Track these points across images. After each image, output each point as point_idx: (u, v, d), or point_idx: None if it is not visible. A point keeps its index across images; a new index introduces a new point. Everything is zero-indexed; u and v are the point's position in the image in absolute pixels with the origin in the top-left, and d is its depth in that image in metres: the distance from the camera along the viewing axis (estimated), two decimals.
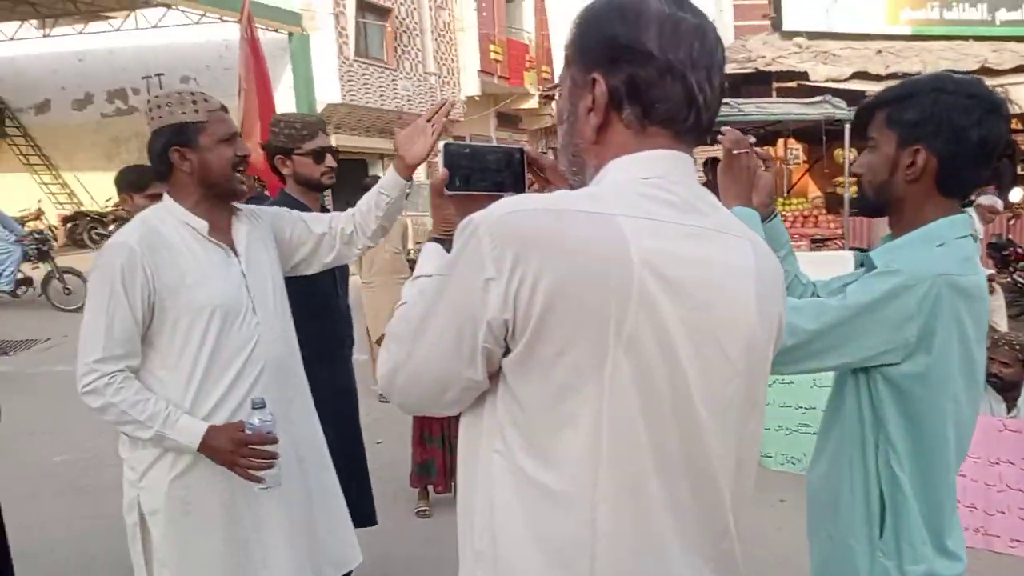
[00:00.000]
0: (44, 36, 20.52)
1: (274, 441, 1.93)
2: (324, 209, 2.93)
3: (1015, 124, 10.90)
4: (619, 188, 1.05)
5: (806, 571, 1.71)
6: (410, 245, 10.27)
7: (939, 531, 1.53)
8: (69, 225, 18.92)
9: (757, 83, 12.53)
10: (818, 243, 9.27)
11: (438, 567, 3.62)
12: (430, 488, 4.24)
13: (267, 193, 5.59)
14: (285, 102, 16.15)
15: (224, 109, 2.07)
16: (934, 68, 11.12)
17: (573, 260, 0.97)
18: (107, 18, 19.47)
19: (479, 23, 22.02)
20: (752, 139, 1.63)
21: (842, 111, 9.00)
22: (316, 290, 2.41)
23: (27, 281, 10.85)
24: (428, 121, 2.16)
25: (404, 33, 20.51)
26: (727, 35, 15.45)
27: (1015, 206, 10.19)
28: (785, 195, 11.79)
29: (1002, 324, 6.74)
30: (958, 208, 1.58)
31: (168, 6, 16.94)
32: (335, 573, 2.32)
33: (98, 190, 20.72)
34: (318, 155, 2.76)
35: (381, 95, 19.69)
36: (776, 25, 14.28)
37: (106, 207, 19.87)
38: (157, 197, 3.24)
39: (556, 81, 22.57)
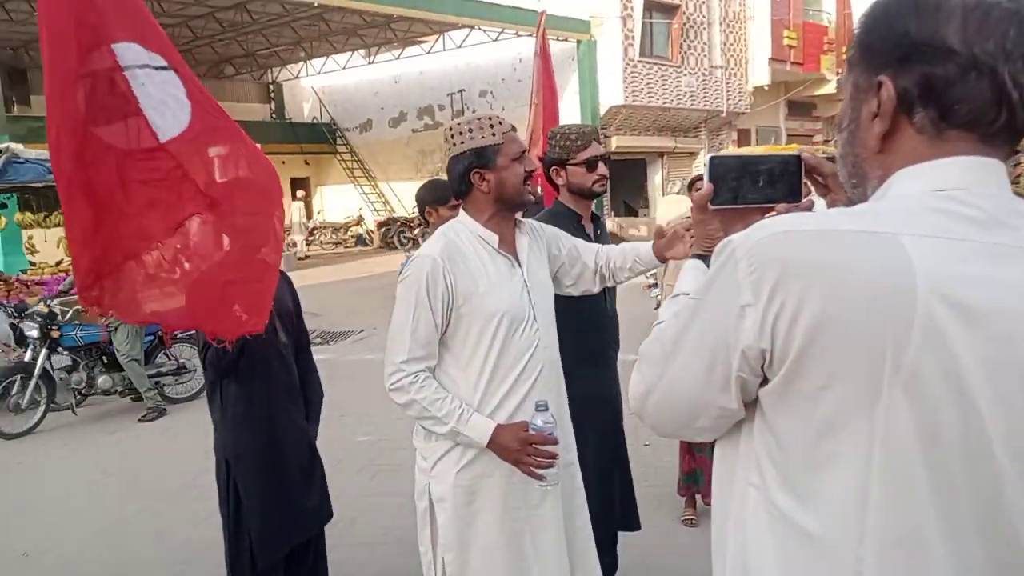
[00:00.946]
0: (369, 63, 23.37)
1: (555, 442, 2.04)
2: (595, 216, 2.95)
3: None
4: (906, 202, 0.93)
5: None
6: None
7: None
8: (383, 229, 21.35)
9: None
10: None
11: None
12: (698, 497, 4.08)
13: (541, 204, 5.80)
14: (570, 107, 16.68)
15: (513, 128, 2.21)
16: None
17: (841, 286, 0.86)
18: (420, 42, 21.62)
19: (772, 9, 20.92)
20: (811, 200, 1.29)
21: None
22: (585, 295, 2.49)
23: None
24: (688, 230, 2.30)
25: (691, 28, 20.14)
26: None
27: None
28: None
29: None
30: None
31: (472, 26, 18.34)
32: None
33: (407, 198, 23.16)
34: (591, 164, 2.80)
35: (664, 93, 19.52)
36: None
37: (412, 213, 22.13)
38: (458, 207, 3.50)
39: None
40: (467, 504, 2.14)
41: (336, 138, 25.09)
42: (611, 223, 14.49)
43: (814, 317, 0.87)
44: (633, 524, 3.10)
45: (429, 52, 21.72)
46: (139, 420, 6.57)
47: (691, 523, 4.03)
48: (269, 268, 2.50)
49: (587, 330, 2.81)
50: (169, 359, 7.13)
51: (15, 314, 6.58)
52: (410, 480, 4.70)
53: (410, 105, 23.23)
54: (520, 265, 2.21)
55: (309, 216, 23.79)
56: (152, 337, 6.88)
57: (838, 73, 22.91)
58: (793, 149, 1.47)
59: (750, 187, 1.21)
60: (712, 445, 3.55)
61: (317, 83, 25.42)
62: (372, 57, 23.17)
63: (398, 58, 22.65)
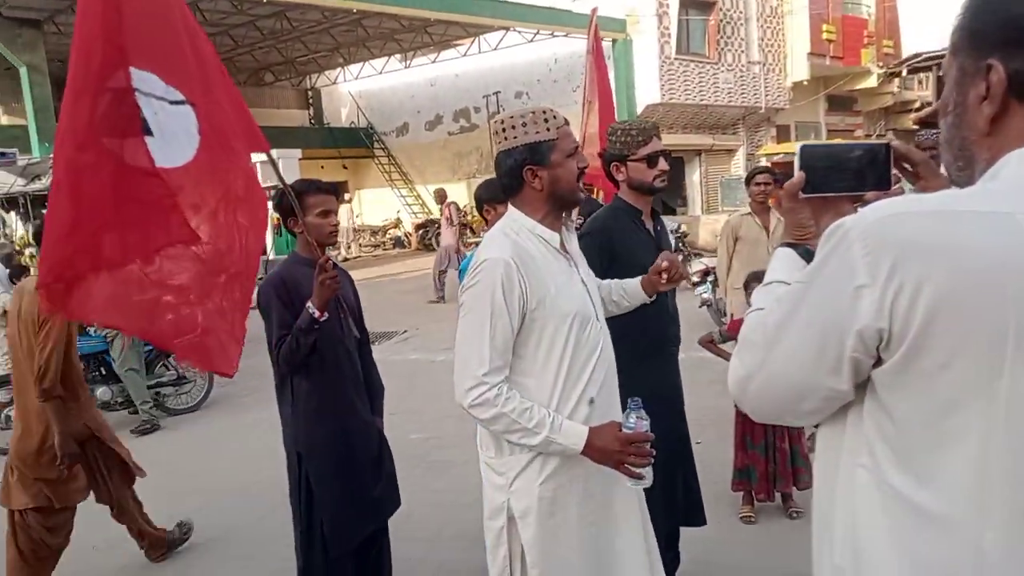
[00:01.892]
0: (405, 67, 23.56)
1: (652, 439, 1.97)
2: (655, 213, 2.95)
3: None
4: (1020, 182, 0.94)
5: None
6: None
7: None
8: (420, 231, 21.50)
9: None
10: None
11: None
12: (753, 493, 4.06)
13: (596, 199, 5.79)
14: None
15: (567, 122, 2.12)
16: None
17: (961, 266, 0.88)
18: (456, 45, 21.74)
19: (810, 3, 20.64)
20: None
21: None
22: None
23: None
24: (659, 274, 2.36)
25: (728, 24, 19.95)
26: None
27: None
28: None
29: None
30: None
31: (508, 28, 18.40)
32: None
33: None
34: (651, 160, 2.80)
35: (701, 90, 19.37)
36: None
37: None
38: None
39: (902, 56, 20.34)
40: (550, 516, 2.04)
41: (373, 142, 25.34)
42: None
43: (935, 297, 0.88)
44: (698, 520, 3.09)
45: (464, 55, 21.83)
46: (131, 432, 6.33)
47: (750, 520, 4.01)
48: (237, 321, 2.60)
49: (650, 325, 2.81)
50: (169, 369, 6.94)
51: None
52: (463, 477, 4.75)
53: (446, 108, 23.37)
54: (576, 265, 2.15)
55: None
56: (151, 348, 6.70)
57: (879, 66, 22.54)
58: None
59: (840, 176, 1.22)
60: (764, 442, 3.55)
61: (354, 88, 25.70)
62: (408, 61, 23.35)
63: (434, 62, 22.80)
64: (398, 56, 23.21)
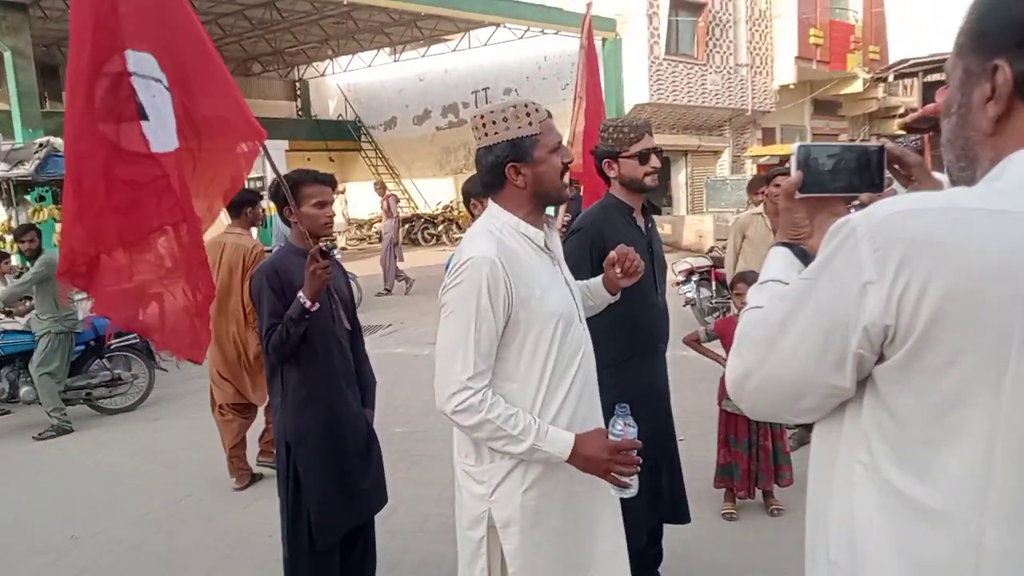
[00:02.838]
0: (394, 61, 23.48)
1: (639, 446, 1.90)
2: (645, 210, 2.97)
3: None
4: None
5: None
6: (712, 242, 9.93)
7: None
8: (407, 226, 21.43)
9: None
10: None
11: (745, 575, 3.49)
12: (734, 490, 4.10)
13: (579, 194, 5.81)
14: None
15: (550, 115, 2.03)
16: None
17: (969, 263, 0.89)
18: (445, 40, 21.68)
19: (798, 7, 20.76)
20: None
21: None
22: (637, 288, 2.44)
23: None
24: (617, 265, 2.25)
25: (716, 26, 20.04)
26: None
27: None
28: None
29: None
30: None
31: (498, 24, 18.38)
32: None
33: (430, 195, 23.26)
34: (643, 157, 2.80)
35: (689, 91, 19.44)
36: None
37: (436, 210, 22.19)
38: None
39: (888, 62, 20.50)
40: (534, 525, 1.97)
41: (361, 135, 25.23)
42: None
43: (941, 294, 0.89)
44: (683, 517, 3.11)
45: (454, 50, 21.78)
46: (33, 437, 6.06)
47: (731, 517, 4.04)
48: (202, 306, 2.60)
49: (638, 323, 2.83)
50: (104, 370, 6.62)
51: None
52: (447, 470, 4.74)
53: (435, 103, 23.31)
54: (559, 264, 2.09)
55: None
56: (83, 347, 6.47)
57: (865, 71, 22.71)
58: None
59: (835, 177, 1.24)
60: (747, 440, 3.57)
61: (343, 81, 25.57)
62: (398, 55, 23.26)
63: (423, 56, 22.73)
64: (387, 50, 23.11)
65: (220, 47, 20.37)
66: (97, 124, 2.35)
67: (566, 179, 2.06)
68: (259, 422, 5.04)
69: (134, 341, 6.70)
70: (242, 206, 4.91)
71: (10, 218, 9.21)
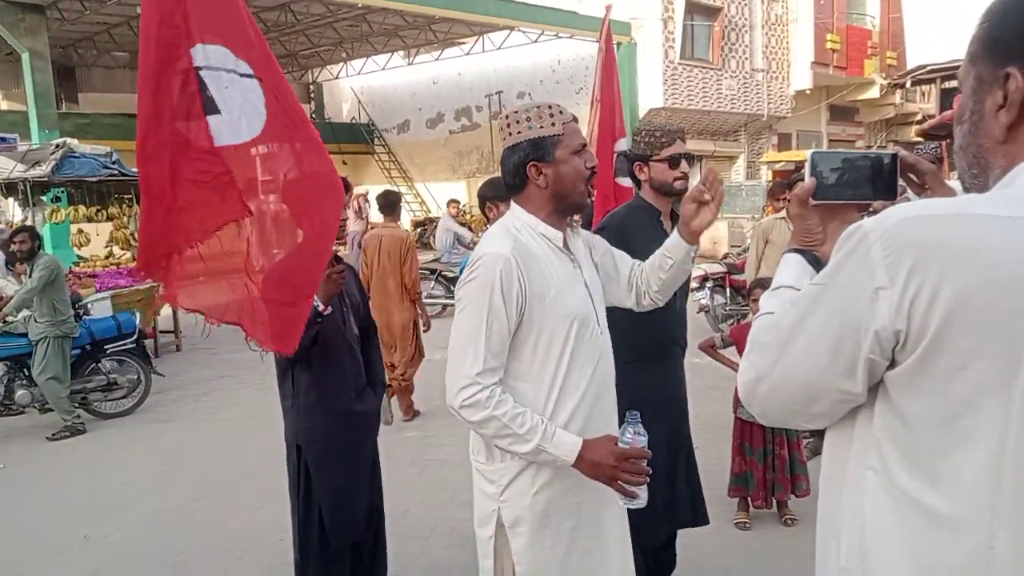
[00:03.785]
0: (408, 64, 23.54)
1: (649, 456, 1.86)
2: (674, 215, 2.95)
3: None
4: None
5: None
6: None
7: None
8: (419, 229, 21.46)
9: None
10: None
11: None
12: (749, 500, 4.06)
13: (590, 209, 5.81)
14: None
15: (575, 119, 2.04)
16: None
17: (980, 269, 0.89)
18: (459, 44, 21.72)
19: (815, 12, 20.69)
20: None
21: None
22: None
23: None
24: (705, 191, 2.11)
25: (732, 31, 19.99)
26: None
27: None
28: None
29: None
30: None
31: (512, 28, 18.40)
32: None
33: (443, 198, 23.27)
34: (674, 161, 2.82)
35: (704, 96, 19.39)
36: None
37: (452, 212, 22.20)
38: None
39: (906, 68, 20.39)
40: (543, 528, 1.96)
41: (374, 138, 25.32)
42: None
43: (953, 299, 0.89)
44: (701, 518, 3.09)
45: (468, 53, 21.81)
46: (47, 438, 6.08)
47: (744, 526, 4.00)
48: (304, 295, 2.50)
49: (657, 327, 2.81)
50: (99, 374, 6.57)
51: None
52: (457, 475, 4.74)
53: (448, 106, 23.35)
54: (580, 266, 2.06)
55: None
56: (79, 351, 6.45)
57: (882, 77, 22.59)
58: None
59: (849, 184, 1.24)
60: (763, 449, 3.54)
61: (356, 84, 25.67)
62: (411, 58, 23.33)
63: (437, 59, 22.79)
64: (401, 53, 23.18)
65: None
66: (164, 123, 2.37)
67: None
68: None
69: (130, 345, 6.71)
70: (395, 204, 6.45)
71: (26, 218, 9.28)
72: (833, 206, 1.26)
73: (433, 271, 10.58)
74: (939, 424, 0.94)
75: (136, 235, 9.99)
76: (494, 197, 3.69)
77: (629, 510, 2.03)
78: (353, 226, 12.73)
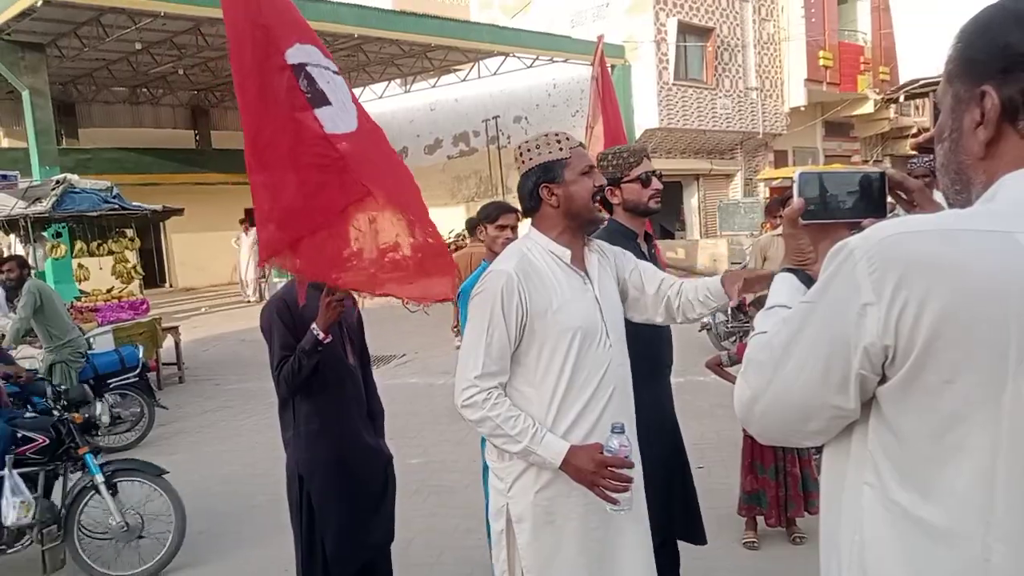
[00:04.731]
0: (405, 92, 23.72)
1: (631, 465, 1.98)
2: (647, 236, 2.97)
3: None
4: (1017, 203, 0.98)
5: None
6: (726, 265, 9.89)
7: None
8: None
9: None
10: None
11: None
12: (760, 519, 4.02)
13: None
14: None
15: (581, 145, 2.21)
16: None
17: (964, 283, 0.90)
18: (456, 70, 21.90)
19: (807, 30, 20.87)
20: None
21: None
22: None
23: None
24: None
25: (725, 51, 20.16)
26: None
27: None
28: None
29: None
30: None
31: (507, 54, 18.57)
32: None
33: (442, 223, 23.31)
34: (645, 180, 2.83)
35: (699, 115, 19.51)
36: None
37: (449, 238, 22.26)
38: (505, 227, 3.66)
39: (899, 83, 20.52)
40: (547, 524, 2.08)
41: None
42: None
43: (938, 313, 0.91)
44: (698, 536, 3.06)
45: (464, 80, 21.98)
46: None
47: (752, 546, 3.97)
48: (438, 245, 2.71)
49: (644, 348, 2.80)
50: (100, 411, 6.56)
51: None
52: (463, 502, 4.71)
53: (445, 132, 23.49)
54: (591, 281, 2.18)
55: None
56: (86, 382, 6.27)
57: (877, 92, 22.73)
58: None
59: (837, 203, 1.26)
60: (775, 466, 3.52)
61: None
62: (408, 86, 23.51)
63: (434, 86, 22.96)
64: (398, 81, 23.36)
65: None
66: (277, 114, 2.45)
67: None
68: None
69: (133, 379, 6.66)
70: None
71: (27, 254, 9.30)
72: (823, 225, 1.27)
73: None
74: (931, 437, 0.95)
75: (137, 268, 10.03)
76: (483, 219, 3.81)
77: None
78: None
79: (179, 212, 9.92)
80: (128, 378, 6.67)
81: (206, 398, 8.28)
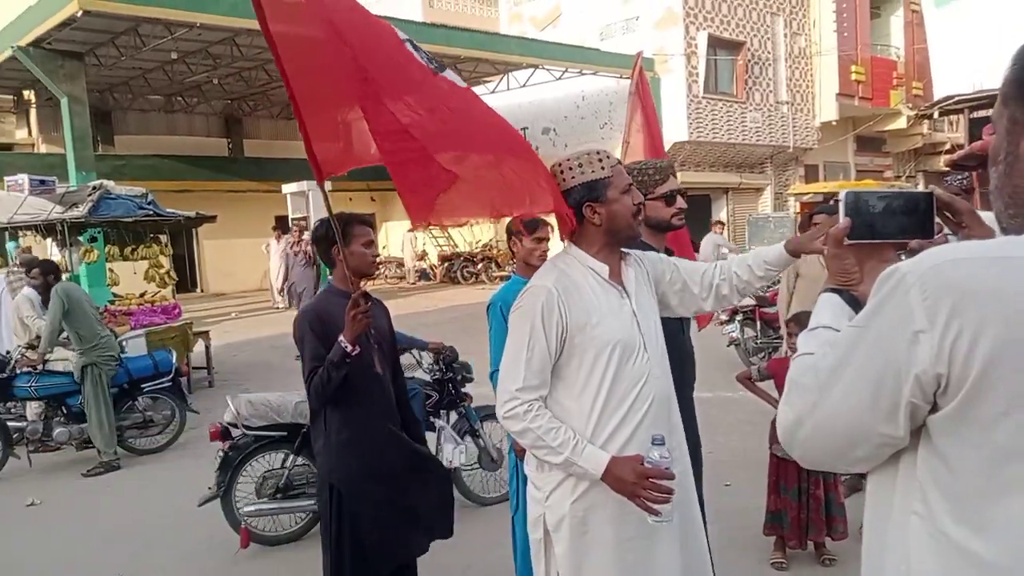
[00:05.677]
0: None
1: (672, 477, 1.99)
2: (668, 251, 2.96)
3: None
4: None
5: None
6: None
7: None
8: (445, 264, 21.57)
9: None
10: None
11: None
12: (785, 540, 3.96)
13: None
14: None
15: (619, 162, 2.24)
16: None
17: (1020, 313, 0.88)
18: (485, 82, 22.00)
19: (839, 44, 20.72)
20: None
21: None
22: (665, 327, 2.44)
23: None
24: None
25: (756, 64, 20.06)
26: None
27: None
28: None
29: None
30: None
31: (536, 66, 18.64)
32: None
33: (469, 234, 23.44)
34: (669, 198, 2.82)
35: (729, 129, 19.41)
36: None
37: (475, 248, 22.34)
38: (543, 240, 3.66)
39: (932, 98, 20.26)
40: (582, 534, 2.11)
41: None
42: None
43: (994, 343, 0.88)
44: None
45: (493, 91, 22.08)
46: (83, 474, 6.11)
47: (781, 566, 3.90)
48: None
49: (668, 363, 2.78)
50: (135, 412, 6.65)
51: None
52: (487, 516, 4.69)
53: None
54: (628, 296, 2.21)
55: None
56: (117, 389, 6.47)
57: (910, 107, 22.47)
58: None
59: (884, 223, 1.23)
60: (797, 487, 3.46)
61: None
62: None
63: None
64: None
65: (266, 91, 20.86)
66: (424, 83, 2.46)
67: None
68: None
69: (167, 384, 6.77)
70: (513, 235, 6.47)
71: (63, 258, 9.48)
72: (869, 245, 1.25)
73: None
74: (984, 469, 0.92)
75: (171, 273, 10.18)
76: (517, 232, 3.79)
77: None
78: (301, 275, 12.67)
79: (212, 219, 10.05)
80: (161, 383, 6.77)
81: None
